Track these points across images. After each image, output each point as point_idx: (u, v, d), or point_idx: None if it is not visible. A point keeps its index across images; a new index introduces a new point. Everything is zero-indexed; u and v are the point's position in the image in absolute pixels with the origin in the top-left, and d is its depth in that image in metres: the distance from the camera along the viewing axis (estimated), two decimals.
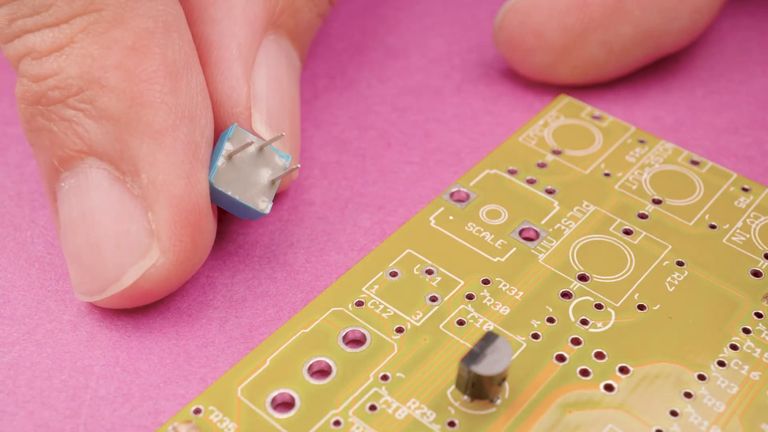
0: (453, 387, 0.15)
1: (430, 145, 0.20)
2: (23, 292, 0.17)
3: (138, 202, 0.15)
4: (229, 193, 0.16)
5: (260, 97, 0.17)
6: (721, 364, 0.15)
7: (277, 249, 0.18)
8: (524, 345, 0.16)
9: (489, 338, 0.14)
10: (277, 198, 0.19)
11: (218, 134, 0.17)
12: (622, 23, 0.19)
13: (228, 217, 0.18)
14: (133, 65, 0.15)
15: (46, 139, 0.15)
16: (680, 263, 0.17)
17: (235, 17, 0.17)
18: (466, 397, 0.15)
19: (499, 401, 0.15)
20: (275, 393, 0.15)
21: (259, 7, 0.17)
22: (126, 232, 0.15)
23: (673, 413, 0.15)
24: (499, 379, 0.14)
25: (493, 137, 0.20)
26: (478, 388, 0.14)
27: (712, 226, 0.18)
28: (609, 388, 0.15)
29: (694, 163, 0.19)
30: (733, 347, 0.15)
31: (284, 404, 0.15)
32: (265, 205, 0.16)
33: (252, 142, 0.16)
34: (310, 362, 0.15)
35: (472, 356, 0.14)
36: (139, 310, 0.16)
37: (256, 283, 0.17)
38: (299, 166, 0.16)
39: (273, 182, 0.16)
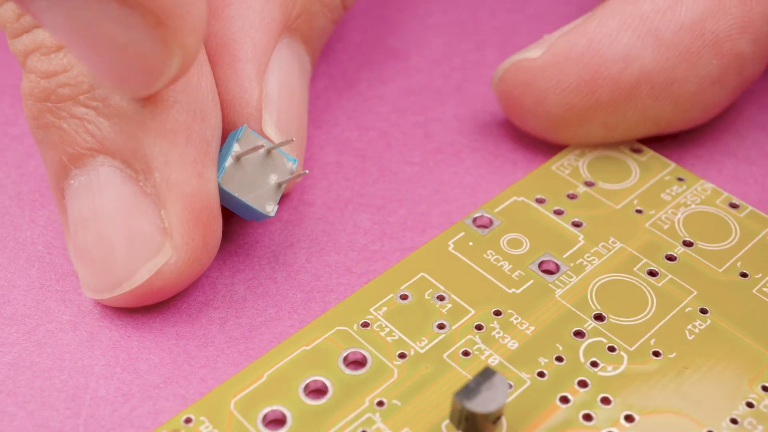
0: (448, 420, 0.14)
1: (430, 145, 0.20)
2: (23, 292, 0.17)
3: (150, 200, 0.15)
4: (236, 195, 0.16)
5: (271, 99, 0.17)
6: (734, 421, 0.15)
7: (278, 249, 0.17)
8: (528, 383, 0.15)
9: (486, 374, 0.14)
10: None
11: (226, 134, 0.17)
12: (630, 109, 0.18)
13: (229, 216, 0.18)
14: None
15: (55, 137, 0.15)
16: (704, 311, 0.16)
17: (252, 18, 0.17)
18: None
19: None
20: (267, 410, 0.15)
21: (276, 10, 0.17)
22: (139, 230, 0.15)
23: None
24: (494, 418, 0.14)
25: (493, 137, 0.20)
26: (472, 425, 0.14)
27: (743, 275, 0.17)
28: None
29: (733, 206, 0.18)
30: (749, 405, 0.15)
31: (276, 421, 0.15)
32: (270, 208, 0.16)
33: (262, 146, 0.16)
34: (307, 381, 0.15)
35: (467, 391, 0.14)
36: (139, 310, 0.16)
37: (256, 283, 0.17)
38: (307, 172, 0.16)
39: (279, 185, 0.16)
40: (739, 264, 0.17)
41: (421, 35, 0.23)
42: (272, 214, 0.16)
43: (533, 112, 0.19)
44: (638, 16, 0.18)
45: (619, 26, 0.18)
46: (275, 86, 0.17)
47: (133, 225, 0.15)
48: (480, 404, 0.14)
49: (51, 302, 0.16)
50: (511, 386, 0.15)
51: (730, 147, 0.20)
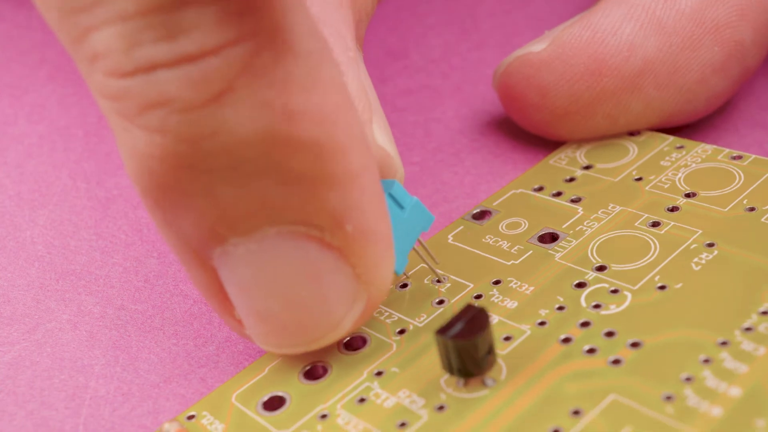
0: (447, 375, 0.14)
1: (430, 145, 0.20)
2: (23, 291, 0.17)
3: (336, 252, 0.13)
4: None
5: (374, 106, 0.16)
6: (748, 329, 0.14)
7: None
8: (528, 332, 0.15)
9: (465, 310, 0.14)
10: None
11: None
12: (634, 99, 0.18)
13: None
14: (319, 105, 0.12)
15: (202, 204, 0.12)
16: (710, 245, 0.15)
17: (342, 32, 0.16)
18: (460, 383, 0.14)
19: (493, 383, 0.14)
20: (267, 396, 0.14)
21: (351, 21, 0.16)
22: (333, 286, 0.14)
23: (688, 379, 0.13)
24: (483, 351, 0.13)
25: (492, 137, 0.20)
26: (462, 366, 0.13)
27: (751, 209, 0.16)
28: (617, 362, 0.14)
29: (736, 158, 0.18)
30: (764, 313, 0.14)
31: (275, 405, 0.14)
32: (400, 268, 0.15)
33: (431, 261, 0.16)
34: (307, 367, 0.15)
35: (447, 327, 0.13)
36: (138, 310, 0.17)
37: None
38: (440, 270, 0.16)
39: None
40: (745, 201, 0.16)
41: (420, 35, 0.23)
42: (399, 272, 0.15)
43: (537, 105, 0.19)
44: (641, 5, 0.18)
45: (622, 16, 0.18)
46: (370, 92, 0.16)
47: (326, 282, 0.13)
48: (462, 335, 0.13)
49: (51, 302, 0.17)
50: (509, 338, 0.15)
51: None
